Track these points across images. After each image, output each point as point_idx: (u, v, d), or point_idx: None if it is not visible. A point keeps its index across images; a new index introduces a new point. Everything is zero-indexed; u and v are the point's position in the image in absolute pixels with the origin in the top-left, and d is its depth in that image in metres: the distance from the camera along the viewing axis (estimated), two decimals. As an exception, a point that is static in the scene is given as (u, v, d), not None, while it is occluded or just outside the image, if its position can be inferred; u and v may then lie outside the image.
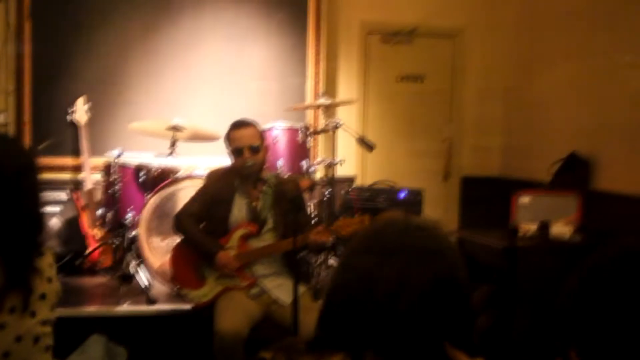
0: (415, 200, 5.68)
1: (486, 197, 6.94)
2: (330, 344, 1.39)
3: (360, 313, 1.35)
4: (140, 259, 5.16)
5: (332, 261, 5.54)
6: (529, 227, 5.11)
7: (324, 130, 6.01)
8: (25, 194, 2.37)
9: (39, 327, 2.39)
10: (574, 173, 5.67)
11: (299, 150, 5.50)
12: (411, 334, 1.33)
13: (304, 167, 5.48)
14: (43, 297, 2.40)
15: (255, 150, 4.32)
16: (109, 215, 5.41)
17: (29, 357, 2.36)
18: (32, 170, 2.41)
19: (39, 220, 2.41)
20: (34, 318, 2.37)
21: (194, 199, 4.48)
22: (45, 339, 2.42)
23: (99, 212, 5.58)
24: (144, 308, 4.80)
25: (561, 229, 5.05)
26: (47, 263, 2.45)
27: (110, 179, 5.37)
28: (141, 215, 5.10)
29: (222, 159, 4.85)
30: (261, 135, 4.45)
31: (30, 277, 2.34)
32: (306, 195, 5.02)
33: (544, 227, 5.00)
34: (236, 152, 4.33)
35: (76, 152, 6.33)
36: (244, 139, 4.31)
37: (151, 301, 4.82)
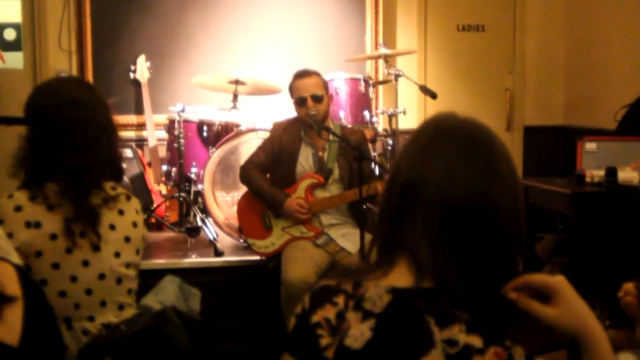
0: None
1: (550, 147, 6.82)
2: (387, 257, 1.35)
3: (408, 216, 1.32)
4: (206, 213, 5.22)
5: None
6: (595, 174, 5.01)
7: (385, 81, 5.95)
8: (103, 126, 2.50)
9: (122, 269, 2.44)
10: (641, 118, 5.53)
11: (361, 101, 5.46)
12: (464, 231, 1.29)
13: (367, 118, 5.45)
14: (128, 239, 2.45)
15: (318, 99, 4.30)
16: (174, 170, 5.46)
17: (111, 297, 2.42)
18: (102, 103, 2.62)
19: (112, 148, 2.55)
20: (118, 258, 2.43)
21: (259, 150, 4.50)
22: (128, 281, 2.48)
23: (164, 168, 5.64)
24: (212, 259, 4.86)
25: (629, 174, 4.92)
26: (133, 208, 2.51)
27: (174, 135, 5.41)
28: (205, 170, 5.14)
29: (283, 114, 4.86)
30: (324, 84, 4.44)
31: (95, 205, 2.38)
32: (370, 146, 5.00)
33: (612, 172, 4.88)
34: (299, 101, 4.32)
35: (139, 110, 6.39)
36: (307, 88, 4.31)
37: (219, 253, 4.88)
